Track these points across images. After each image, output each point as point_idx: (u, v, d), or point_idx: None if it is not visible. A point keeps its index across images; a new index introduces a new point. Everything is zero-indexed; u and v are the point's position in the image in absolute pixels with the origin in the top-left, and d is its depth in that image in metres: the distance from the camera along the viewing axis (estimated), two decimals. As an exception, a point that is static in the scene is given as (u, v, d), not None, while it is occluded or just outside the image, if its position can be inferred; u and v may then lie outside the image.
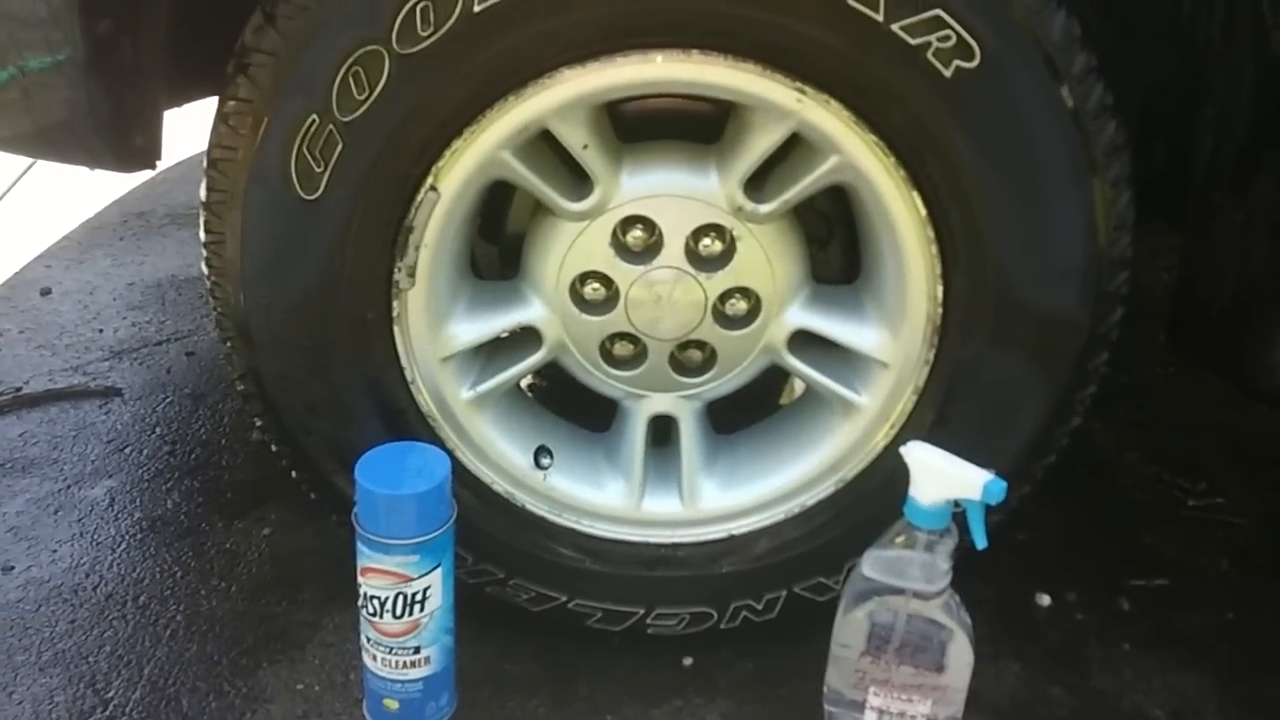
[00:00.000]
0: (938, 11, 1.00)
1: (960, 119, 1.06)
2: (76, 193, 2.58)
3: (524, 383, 1.40)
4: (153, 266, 2.35)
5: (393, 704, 1.19)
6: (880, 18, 1.01)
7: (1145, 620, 1.45)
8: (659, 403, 1.27)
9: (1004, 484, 1.05)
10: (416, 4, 1.01)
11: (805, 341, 1.24)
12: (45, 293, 2.22)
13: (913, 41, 1.02)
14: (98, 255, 2.40)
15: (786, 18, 1.02)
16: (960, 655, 1.11)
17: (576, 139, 1.12)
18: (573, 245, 1.17)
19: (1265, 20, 1.12)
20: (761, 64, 1.05)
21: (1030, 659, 1.37)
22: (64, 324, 2.10)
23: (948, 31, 1.01)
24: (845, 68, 1.04)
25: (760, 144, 1.12)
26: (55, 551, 1.51)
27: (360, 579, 1.14)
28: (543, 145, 1.15)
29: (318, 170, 1.09)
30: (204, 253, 1.17)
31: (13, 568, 1.48)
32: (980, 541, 1.09)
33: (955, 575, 1.09)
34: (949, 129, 1.06)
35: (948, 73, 1.03)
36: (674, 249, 1.17)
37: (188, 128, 1.70)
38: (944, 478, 1.07)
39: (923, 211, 1.11)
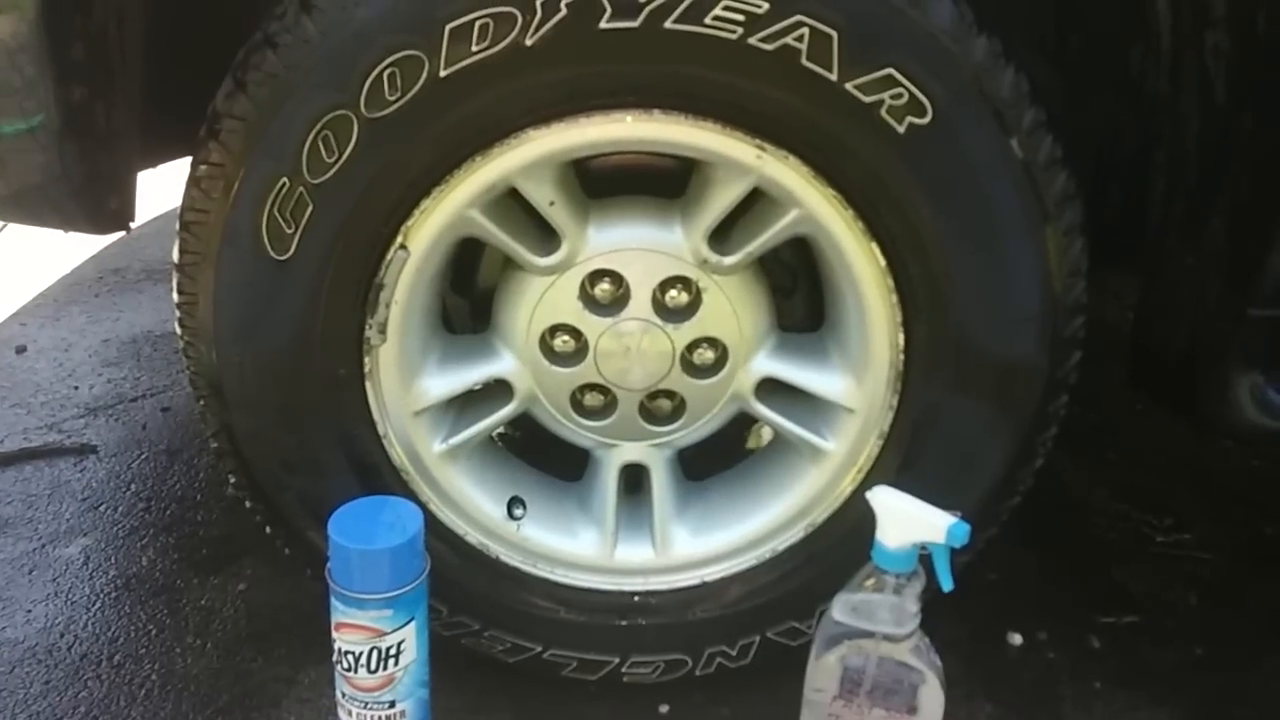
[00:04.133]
0: (890, 70, 1.04)
1: (915, 173, 1.09)
2: (53, 249, 2.59)
3: (496, 434, 1.42)
4: (128, 322, 2.36)
5: (368, 759, 1.19)
6: (834, 77, 1.04)
7: (1116, 657, 1.46)
8: (630, 452, 1.29)
9: (967, 527, 1.06)
10: (384, 69, 1.03)
11: (772, 389, 1.26)
12: (21, 350, 2.22)
13: (866, 99, 1.05)
14: (73, 312, 2.40)
15: (744, 78, 1.05)
16: (932, 697, 1.12)
17: (543, 196, 1.14)
18: (542, 299, 1.20)
19: (1208, 70, 1.16)
20: (721, 123, 1.08)
21: (1002, 699, 1.38)
22: (39, 381, 2.10)
23: (900, 89, 1.04)
24: (802, 125, 1.07)
25: (723, 199, 1.15)
26: (30, 612, 1.51)
27: (334, 634, 1.15)
28: (510, 202, 1.17)
29: (289, 231, 1.10)
30: (177, 313, 1.18)
31: (-14, 629, 1.48)
32: (946, 584, 1.10)
33: (926, 616, 1.10)
34: (904, 183, 1.09)
35: (901, 129, 1.06)
36: (641, 301, 1.19)
37: (163, 184, 1.72)
38: (909, 521, 1.08)
39: (882, 262, 1.14)
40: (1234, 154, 1.18)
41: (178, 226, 1.15)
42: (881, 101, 1.05)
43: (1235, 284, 1.21)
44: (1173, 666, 1.45)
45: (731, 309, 1.20)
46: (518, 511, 1.30)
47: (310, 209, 1.09)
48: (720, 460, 1.39)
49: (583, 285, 1.19)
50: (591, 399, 1.26)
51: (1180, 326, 1.27)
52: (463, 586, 1.28)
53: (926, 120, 1.06)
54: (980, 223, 1.12)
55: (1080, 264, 1.15)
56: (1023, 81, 1.07)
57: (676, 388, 1.24)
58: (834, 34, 1.02)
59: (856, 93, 1.04)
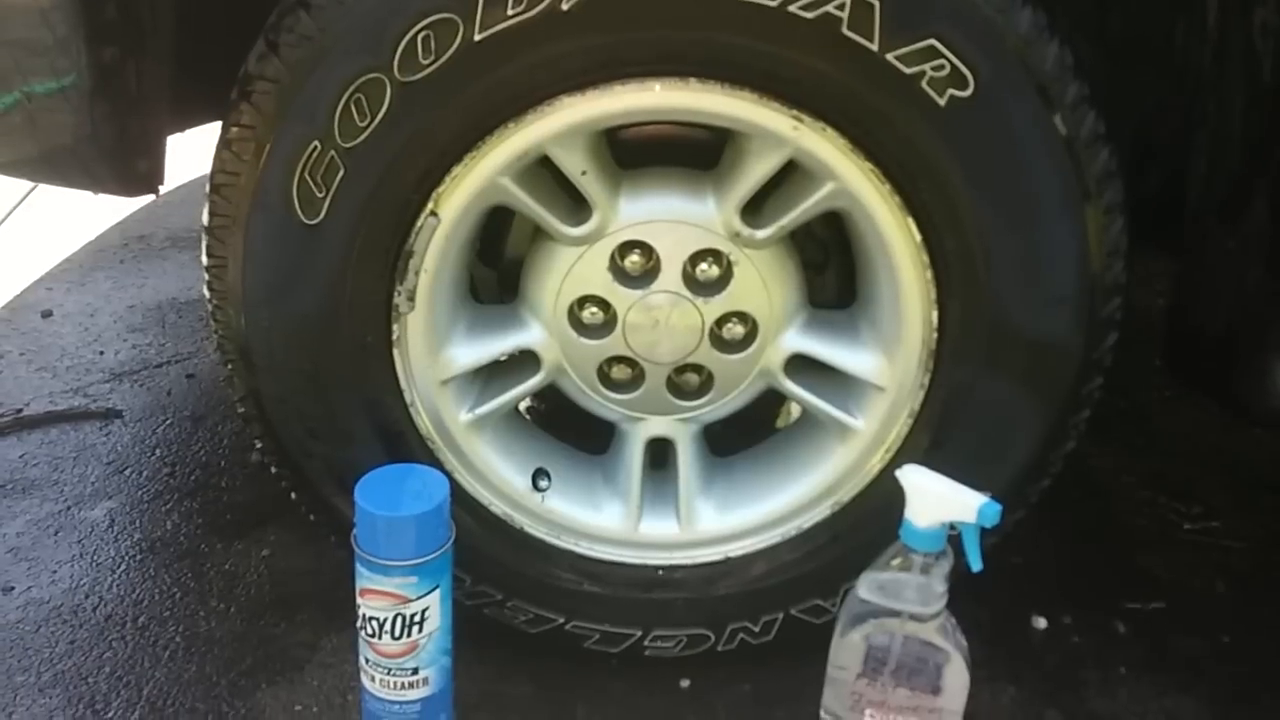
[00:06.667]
0: (932, 41, 1.02)
1: (954, 147, 1.07)
2: (78, 215, 2.60)
3: (522, 405, 1.41)
4: (153, 289, 2.37)
5: (390, 726, 1.19)
6: (875, 47, 1.02)
7: (1141, 643, 1.45)
8: (656, 425, 1.28)
9: (999, 507, 1.05)
10: (418, 33, 1.02)
11: (802, 365, 1.25)
12: (46, 315, 2.23)
13: (907, 71, 1.03)
14: (99, 278, 2.41)
15: (783, 47, 1.03)
16: (956, 678, 1.12)
17: (575, 165, 1.13)
18: (571, 270, 1.19)
19: (1255, 48, 1.14)
20: (758, 92, 1.07)
21: (1026, 682, 1.37)
22: (65, 346, 2.11)
23: (942, 61, 1.03)
24: (841, 96, 1.06)
25: (757, 170, 1.13)
26: (55, 572, 1.52)
27: (359, 600, 1.15)
28: (541, 171, 1.16)
29: (319, 196, 1.10)
30: (206, 277, 1.18)
31: (13, 588, 1.48)
32: (975, 564, 1.09)
33: (951, 598, 1.09)
34: (943, 157, 1.07)
35: (942, 101, 1.04)
36: (671, 274, 1.18)
37: (188, 152, 1.72)
38: (939, 501, 1.07)
39: (918, 238, 1.13)
40: (1279, 134, 1.15)
41: (207, 189, 1.14)
42: (923, 73, 1.03)
43: (1276, 268, 1.19)
44: (1199, 653, 1.44)
45: (762, 283, 1.19)
46: (542, 483, 1.30)
47: (341, 173, 1.09)
48: (747, 436, 1.39)
49: (613, 256, 1.18)
50: (619, 372, 1.25)
51: (1218, 311, 1.25)
52: (486, 556, 1.28)
53: (968, 93, 1.04)
54: (1019, 199, 1.10)
55: (1120, 244, 1.14)
56: (1067, 55, 1.05)
57: (705, 362, 1.23)
58: (876, 3, 1.00)
59: (898, 63, 1.03)
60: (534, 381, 1.25)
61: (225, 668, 1.36)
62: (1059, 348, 1.17)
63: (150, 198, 1.34)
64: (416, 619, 1.14)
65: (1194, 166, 1.23)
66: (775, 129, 1.09)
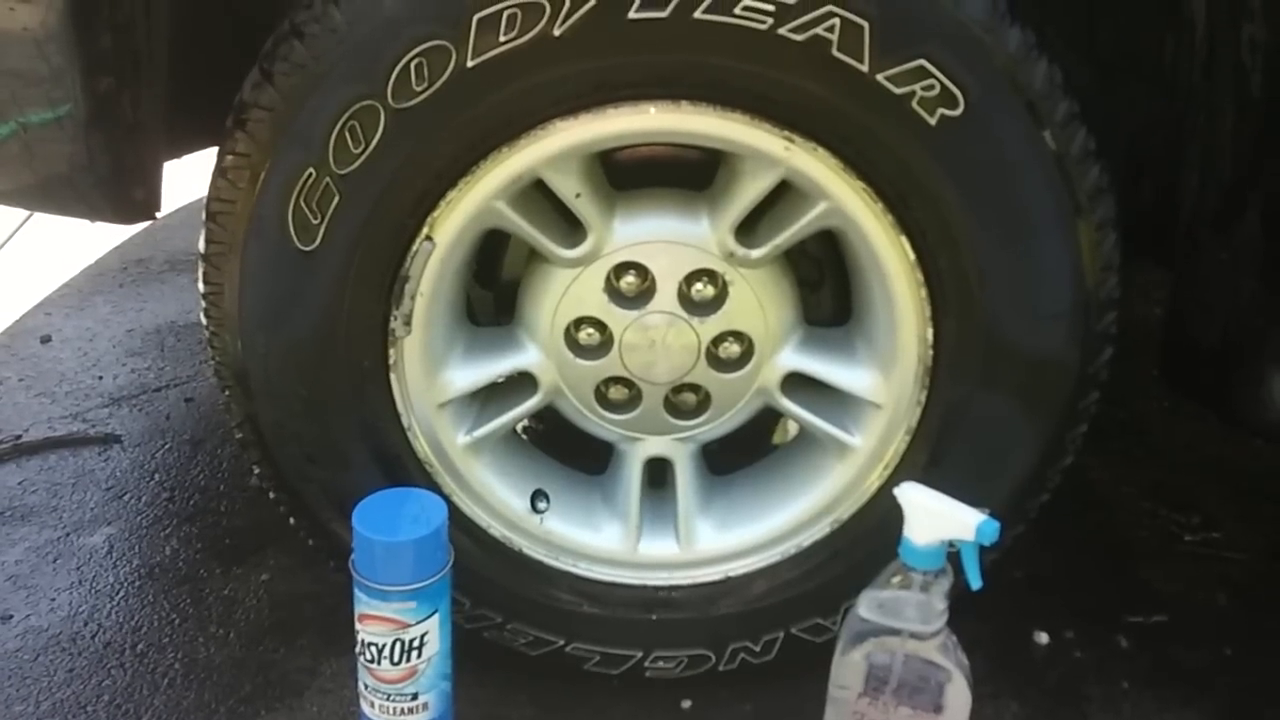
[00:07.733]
0: (921, 62, 1.02)
1: (946, 165, 1.07)
2: (76, 240, 2.60)
3: (520, 427, 1.41)
4: (152, 313, 2.37)
5: (391, 751, 1.19)
6: (865, 68, 1.03)
7: (1144, 657, 1.45)
8: (654, 445, 1.28)
9: (997, 524, 1.05)
10: (411, 60, 1.03)
11: (798, 383, 1.25)
12: (45, 340, 2.23)
13: (897, 91, 1.04)
14: (98, 302, 2.41)
15: (774, 69, 1.04)
16: (958, 696, 1.11)
17: (569, 188, 1.13)
18: (567, 291, 1.19)
19: (1244, 63, 1.14)
20: (750, 114, 1.07)
21: (1029, 698, 1.37)
22: (64, 371, 2.11)
23: (931, 81, 1.03)
24: (832, 117, 1.06)
25: (750, 191, 1.14)
26: (54, 600, 1.51)
27: (358, 625, 1.15)
28: (536, 194, 1.16)
29: (315, 222, 1.10)
30: (203, 303, 1.18)
31: (11, 616, 1.48)
32: (975, 582, 1.09)
33: (952, 614, 1.09)
34: (935, 175, 1.08)
35: (932, 121, 1.05)
36: (667, 294, 1.18)
37: (188, 174, 1.72)
38: (938, 518, 1.07)
39: (911, 256, 1.13)
40: (1269, 147, 1.16)
41: (204, 217, 1.15)
42: (913, 93, 1.04)
43: (1270, 280, 1.19)
44: (1201, 667, 1.43)
45: (758, 302, 1.19)
46: (541, 505, 1.30)
47: (336, 199, 1.09)
48: (745, 455, 1.39)
49: (608, 278, 1.19)
50: (616, 392, 1.25)
51: (1213, 323, 1.25)
52: (485, 579, 1.28)
53: (958, 112, 1.04)
54: (1012, 216, 1.10)
55: (1113, 259, 1.14)
56: (1056, 73, 1.06)
57: (702, 382, 1.23)
58: (866, 24, 1.01)
59: (888, 84, 1.03)
60: (531, 403, 1.25)
61: (224, 694, 1.35)
62: (1055, 363, 1.17)
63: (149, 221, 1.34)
64: (415, 644, 1.13)
65: (1186, 180, 1.23)
66: (767, 150, 1.09)
